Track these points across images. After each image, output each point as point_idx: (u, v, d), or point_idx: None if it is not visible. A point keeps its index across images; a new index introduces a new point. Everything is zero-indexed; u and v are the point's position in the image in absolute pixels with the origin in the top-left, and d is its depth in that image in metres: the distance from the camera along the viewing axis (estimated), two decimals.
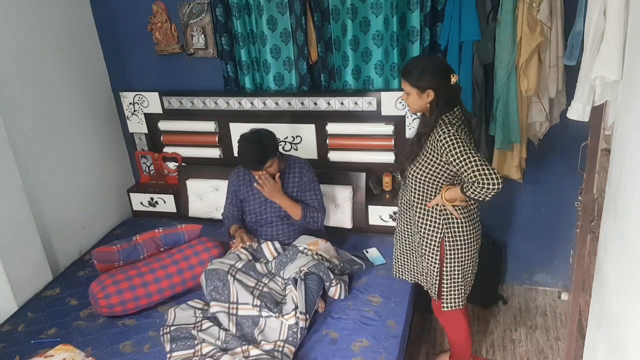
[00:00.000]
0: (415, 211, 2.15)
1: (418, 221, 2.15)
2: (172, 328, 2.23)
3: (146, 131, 3.30)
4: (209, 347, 2.11)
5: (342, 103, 2.87)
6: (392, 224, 2.90)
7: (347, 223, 2.93)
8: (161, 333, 2.23)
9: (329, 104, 2.89)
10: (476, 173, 1.88)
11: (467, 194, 1.94)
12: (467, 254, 2.13)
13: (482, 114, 2.64)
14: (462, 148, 1.91)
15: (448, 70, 2.00)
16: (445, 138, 1.94)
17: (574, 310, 2.12)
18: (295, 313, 2.19)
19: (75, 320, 2.42)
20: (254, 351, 2.08)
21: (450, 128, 1.94)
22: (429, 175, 2.06)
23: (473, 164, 1.89)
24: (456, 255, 2.12)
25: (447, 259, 2.13)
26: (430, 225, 2.11)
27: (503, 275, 3.21)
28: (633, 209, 1.21)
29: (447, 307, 2.21)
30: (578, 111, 1.69)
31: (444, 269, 2.15)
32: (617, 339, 1.32)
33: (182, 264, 2.50)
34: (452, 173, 2.04)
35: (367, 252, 2.76)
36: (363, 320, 2.26)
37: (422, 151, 2.07)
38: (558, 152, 2.78)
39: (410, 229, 2.23)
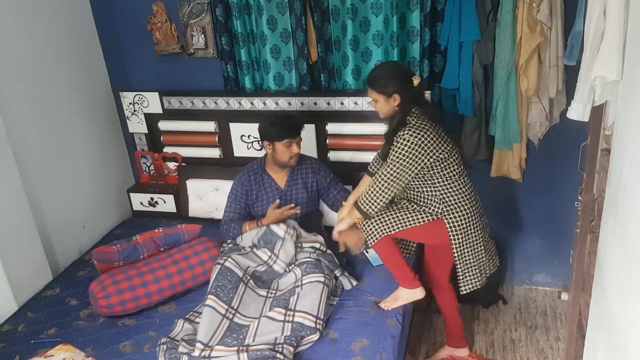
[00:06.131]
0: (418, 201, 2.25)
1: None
2: (168, 340, 2.15)
3: (146, 131, 3.30)
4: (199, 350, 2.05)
5: (342, 103, 2.87)
6: None
7: None
8: (159, 342, 2.16)
9: (328, 104, 2.89)
10: (376, 182, 2.08)
11: (359, 202, 2.14)
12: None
13: (482, 114, 2.64)
14: (396, 157, 2.05)
15: (409, 74, 2.17)
16: (397, 140, 2.07)
17: (574, 310, 2.12)
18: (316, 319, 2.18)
19: (75, 320, 2.42)
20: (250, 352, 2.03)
21: (407, 132, 2.05)
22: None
23: (384, 174, 2.07)
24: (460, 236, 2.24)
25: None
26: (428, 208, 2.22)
27: (503, 275, 3.21)
28: (633, 209, 1.21)
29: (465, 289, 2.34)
30: (578, 111, 1.69)
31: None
32: (617, 339, 1.32)
33: (182, 264, 2.50)
34: (422, 164, 2.10)
35: (367, 252, 2.76)
36: (363, 320, 2.26)
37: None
38: (558, 152, 2.78)
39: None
